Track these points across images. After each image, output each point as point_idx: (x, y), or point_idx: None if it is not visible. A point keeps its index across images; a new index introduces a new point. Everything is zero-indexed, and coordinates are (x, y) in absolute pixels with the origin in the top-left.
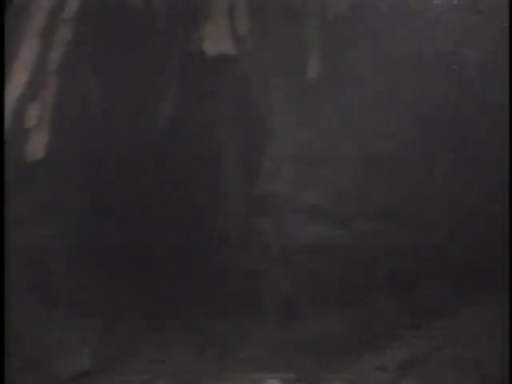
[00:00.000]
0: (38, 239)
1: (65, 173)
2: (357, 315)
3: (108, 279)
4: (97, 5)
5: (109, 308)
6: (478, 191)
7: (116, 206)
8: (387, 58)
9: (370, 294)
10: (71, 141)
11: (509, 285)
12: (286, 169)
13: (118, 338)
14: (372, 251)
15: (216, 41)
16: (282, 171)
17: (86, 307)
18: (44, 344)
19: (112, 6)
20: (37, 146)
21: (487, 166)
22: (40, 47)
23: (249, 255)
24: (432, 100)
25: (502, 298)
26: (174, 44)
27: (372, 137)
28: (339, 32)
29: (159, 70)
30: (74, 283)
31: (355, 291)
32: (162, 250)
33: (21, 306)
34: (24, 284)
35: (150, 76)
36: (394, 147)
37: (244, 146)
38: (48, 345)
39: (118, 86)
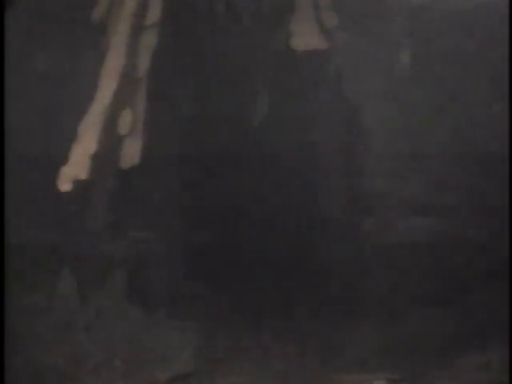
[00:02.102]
0: (137, 243)
1: (160, 177)
2: (459, 313)
3: (208, 280)
4: (180, 8)
5: (210, 309)
6: None
7: (212, 208)
8: (480, 47)
9: (474, 290)
10: (165, 145)
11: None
12: (384, 163)
13: (219, 340)
14: (474, 246)
15: (304, 36)
16: (380, 166)
17: (186, 309)
18: (145, 346)
19: (195, 8)
20: (132, 153)
21: None
22: (126, 54)
23: (350, 253)
24: None
25: None
26: (262, 43)
27: (469, 129)
28: (428, 22)
29: (248, 70)
30: (174, 285)
31: (458, 288)
32: (261, 249)
33: (122, 309)
34: (124, 287)
35: (239, 77)
36: (492, 140)
37: (340, 142)
38: (149, 347)
39: (208, 87)
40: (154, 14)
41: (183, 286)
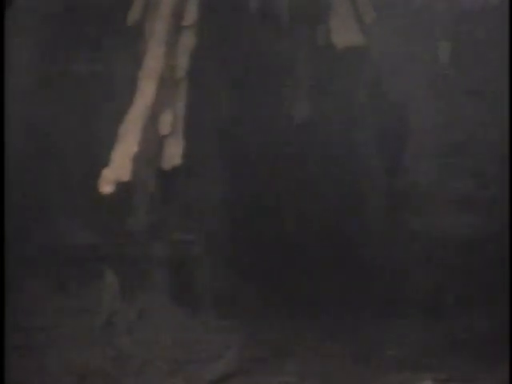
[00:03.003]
0: (179, 243)
1: (202, 177)
2: (506, 312)
3: (251, 280)
4: (217, 8)
5: (254, 308)
6: None
7: (254, 208)
8: None
9: None
10: (206, 146)
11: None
12: (428, 160)
13: (264, 339)
14: None
15: (343, 32)
16: (423, 163)
17: (230, 309)
18: (188, 347)
19: (232, 8)
20: (173, 153)
21: None
22: (165, 55)
23: (394, 251)
24: None
25: None
26: (300, 41)
27: None
28: (467, 15)
29: (288, 68)
30: (217, 285)
31: (504, 286)
32: (304, 248)
33: (165, 309)
34: (167, 288)
35: (279, 75)
36: None
37: (382, 140)
38: (192, 347)
39: (247, 87)
40: (191, 14)
41: (226, 286)
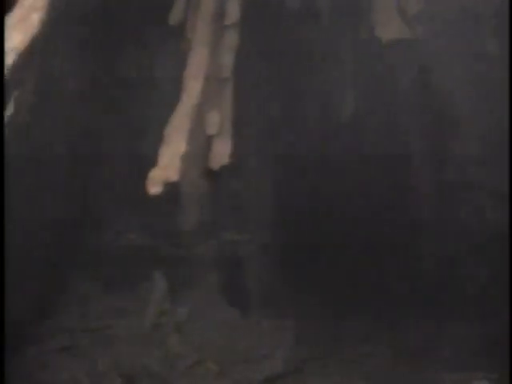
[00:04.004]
0: (229, 244)
1: (249, 177)
2: None
3: (301, 280)
4: (259, 6)
5: (303, 309)
6: None
7: (304, 206)
8: None
9: None
10: (254, 145)
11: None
12: (474, 153)
13: (313, 339)
14: None
15: (387, 25)
16: (470, 155)
17: (279, 309)
18: (238, 347)
19: (274, 6)
20: (221, 153)
21: None
22: (209, 54)
23: (444, 244)
24: None
25: None
26: (344, 36)
27: None
28: None
29: (332, 64)
30: (267, 285)
31: None
32: (354, 249)
33: (214, 309)
34: (216, 288)
35: (324, 72)
36: None
37: (429, 133)
38: (242, 348)
39: (293, 86)
40: (233, 12)
41: (276, 287)
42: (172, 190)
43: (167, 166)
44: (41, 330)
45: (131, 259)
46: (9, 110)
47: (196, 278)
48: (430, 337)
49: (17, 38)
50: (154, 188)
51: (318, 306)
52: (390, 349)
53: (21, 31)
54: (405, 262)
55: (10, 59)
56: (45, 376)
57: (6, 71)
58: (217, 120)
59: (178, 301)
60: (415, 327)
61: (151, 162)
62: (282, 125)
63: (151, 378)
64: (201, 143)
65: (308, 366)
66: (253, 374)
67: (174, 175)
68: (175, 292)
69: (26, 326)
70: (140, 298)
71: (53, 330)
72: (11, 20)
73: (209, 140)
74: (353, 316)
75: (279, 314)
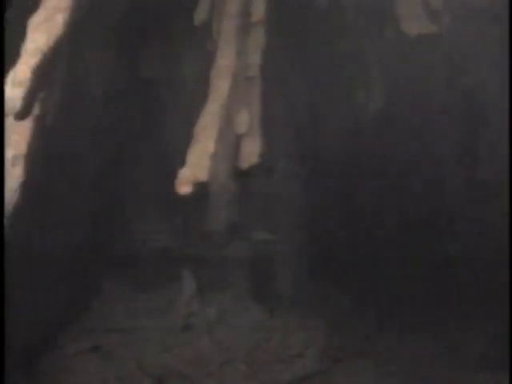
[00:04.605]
0: (258, 243)
1: (278, 177)
2: None
3: (330, 280)
4: (285, 5)
5: (333, 309)
6: None
7: (333, 205)
8: None
9: None
10: (284, 143)
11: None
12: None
13: (343, 339)
14: None
15: (412, 20)
16: (499, 154)
17: (309, 309)
18: (268, 347)
19: (299, 5)
20: (251, 152)
21: None
22: (236, 53)
23: (473, 244)
24: None
25: None
26: (370, 33)
27: None
28: None
29: (360, 61)
30: (296, 285)
31: None
32: (384, 248)
33: (244, 309)
34: (246, 288)
35: (351, 69)
36: None
37: (458, 130)
38: (272, 348)
39: (320, 85)
40: (259, 10)
41: (306, 286)
42: (201, 189)
43: (196, 166)
44: (69, 331)
45: (160, 260)
46: (35, 111)
47: (225, 279)
48: (466, 336)
49: (41, 39)
50: (184, 188)
51: (349, 305)
52: (424, 348)
53: (45, 32)
54: (437, 261)
55: (34, 60)
56: (73, 377)
57: (29, 72)
58: (246, 119)
59: (207, 301)
60: (451, 327)
61: (179, 161)
62: (309, 124)
63: (180, 378)
64: (230, 142)
65: (338, 366)
66: (282, 374)
67: (203, 175)
68: (204, 292)
69: (55, 327)
70: (169, 298)
71: (81, 331)
72: (35, 21)
73: (238, 139)
74: (384, 315)
75: (309, 314)
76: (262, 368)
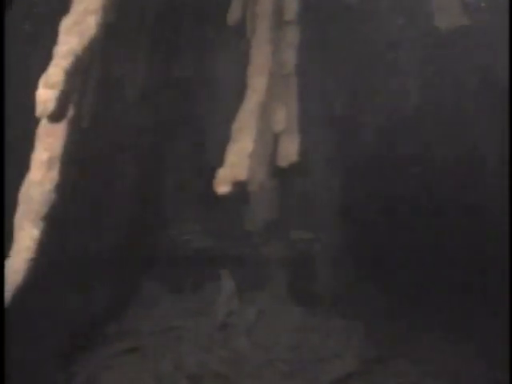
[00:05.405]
0: (298, 243)
1: (316, 176)
2: None
3: (371, 279)
4: (315, 4)
5: (373, 309)
6: None
7: (372, 204)
8: None
9: None
10: (319, 142)
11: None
12: None
13: (384, 339)
14: None
15: (447, 12)
16: None
17: (349, 309)
18: (307, 347)
19: (330, 4)
20: (289, 150)
21: None
22: (271, 51)
23: None
24: None
25: None
26: (403, 27)
27: None
28: None
29: (394, 57)
30: (336, 285)
31: None
32: (421, 243)
33: (283, 310)
34: (285, 288)
35: (387, 66)
36: None
37: (496, 126)
38: (311, 348)
39: (354, 82)
40: (291, 8)
41: (346, 286)
42: (239, 189)
43: (235, 165)
44: (108, 332)
45: (199, 260)
46: (69, 113)
47: (264, 278)
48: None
49: (73, 41)
50: (223, 188)
51: (388, 304)
52: (464, 348)
53: (77, 34)
54: (475, 260)
55: (66, 62)
56: (111, 376)
57: (62, 74)
58: (283, 117)
59: (246, 301)
60: (492, 327)
61: (217, 162)
62: (346, 121)
63: (218, 378)
64: (268, 141)
65: (378, 366)
66: (322, 374)
67: (242, 174)
68: (243, 292)
69: (94, 327)
70: (208, 299)
71: (120, 331)
72: (66, 24)
73: (276, 138)
74: (424, 315)
75: (348, 314)
76: (300, 368)
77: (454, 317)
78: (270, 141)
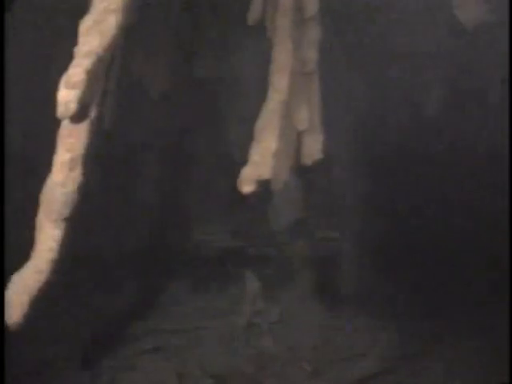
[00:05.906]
0: (322, 242)
1: (340, 174)
2: None
3: (395, 278)
4: (340, 3)
5: (399, 307)
6: None
7: (397, 203)
8: None
9: None
10: (345, 140)
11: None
12: None
13: (409, 338)
14: None
15: (470, 9)
16: None
17: (374, 308)
18: (332, 347)
19: (356, 3)
20: (313, 148)
21: None
22: (293, 49)
23: None
24: None
25: None
26: (425, 25)
27: None
28: None
29: (415, 56)
30: (361, 284)
31: None
32: (447, 243)
33: (308, 309)
34: (310, 287)
35: (407, 64)
36: None
37: None
38: (336, 347)
39: (379, 81)
40: (312, 5)
41: (370, 284)
42: (264, 188)
43: (259, 164)
44: (132, 331)
45: (223, 259)
46: (91, 114)
47: (289, 278)
48: None
49: (94, 42)
50: (247, 187)
51: (414, 304)
52: (494, 348)
53: (97, 34)
54: (505, 260)
55: (87, 62)
56: (135, 377)
57: (84, 74)
58: (306, 115)
59: (271, 301)
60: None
61: (241, 161)
62: (370, 120)
63: (243, 378)
64: (291, 139)
65: (404, 366)
66: (347, 373)
67: (266, 173)
68: (268, 292)
69: (119, 326)
70: (232, 298)
71: (144, 331)
72: (86, 24)
73: (299, 136)
74: (450, 314)
75: (373, 313)
76: (326, 368)
77: (480, 316)
78: (293, 139)
